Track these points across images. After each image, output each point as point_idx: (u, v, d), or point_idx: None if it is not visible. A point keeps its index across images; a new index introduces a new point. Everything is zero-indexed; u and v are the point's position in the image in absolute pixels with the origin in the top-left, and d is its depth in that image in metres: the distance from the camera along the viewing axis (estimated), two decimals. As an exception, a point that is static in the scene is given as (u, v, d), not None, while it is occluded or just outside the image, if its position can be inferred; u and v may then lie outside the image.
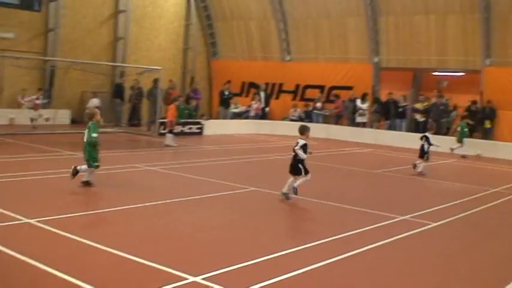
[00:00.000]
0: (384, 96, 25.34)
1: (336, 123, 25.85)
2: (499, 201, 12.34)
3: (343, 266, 7.11)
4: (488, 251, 8.36)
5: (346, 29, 26.75)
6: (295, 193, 10.72)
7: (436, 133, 22.66)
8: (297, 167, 10.82)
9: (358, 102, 25.22)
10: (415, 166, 15.47)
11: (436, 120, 23.26)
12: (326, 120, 26.10)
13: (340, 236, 8.44)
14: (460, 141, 20.55)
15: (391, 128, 24.63)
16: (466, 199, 12.28)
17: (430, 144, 15.67)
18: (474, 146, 20.91)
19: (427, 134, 15.99)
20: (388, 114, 24.71)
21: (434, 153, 19.60)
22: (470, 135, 21.35)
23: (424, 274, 7.08)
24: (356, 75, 26.38)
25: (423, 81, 26.18)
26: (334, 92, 26.79)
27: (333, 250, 7.63)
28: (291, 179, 10.89)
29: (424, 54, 24.82)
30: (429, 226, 9.44)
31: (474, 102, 22.88)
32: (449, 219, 10.10)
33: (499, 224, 10.33)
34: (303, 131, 11.05)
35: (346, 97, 25.86)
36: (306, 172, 10.79)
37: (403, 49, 25.34)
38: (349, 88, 26.18)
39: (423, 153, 15.68)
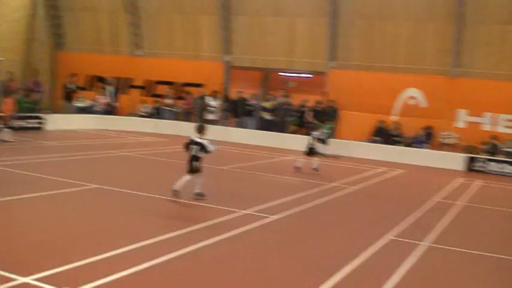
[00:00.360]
0: (233, 95, 25.82)
1: (187, 120, 25.83)
2: (335, 195, 13.11)
3: (183, 261, 7.13)
4: (318, 244, 8.76)
5: (199, 27, 26.83)
6: (202, 195, 10.73)
7: (282, 131, 23.74)
8: (195, 165, 10.70)
9: (209, 99, 25.42)
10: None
11: (282, 119, 24.20)
12: (176, 117, 25.98)
13: (182, 231, 8.46)
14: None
15: (240, 125, 25.16)
16: (304, 193, 12.89)
17: (322, 142, 16.38)
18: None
19: (314, 133, 16.47)
20: (237, 112, 25.23)
21: (285, 151, 20.44)
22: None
23: (259, 267, 7.31)
24: (207, 73, 26.57)
25: (272, 81, 27.08)
26: (185, 88, 26.79)
27: (173, 245, 7.61)
28: (188, 177, 10.71)
29: (273, 55, 25.66)
30: (268, 220, 9.77)
31: (319, 103, 24.12)
32: (287, 212, 10.53)
33: (332, 218, 10.94)
34: (202, 129, 10.90)
35: (197, 94, 25.96)
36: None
37: (253, 49, 25.99)
38: (200, 85, 26.33)
39: (311, 152, 16.21)
